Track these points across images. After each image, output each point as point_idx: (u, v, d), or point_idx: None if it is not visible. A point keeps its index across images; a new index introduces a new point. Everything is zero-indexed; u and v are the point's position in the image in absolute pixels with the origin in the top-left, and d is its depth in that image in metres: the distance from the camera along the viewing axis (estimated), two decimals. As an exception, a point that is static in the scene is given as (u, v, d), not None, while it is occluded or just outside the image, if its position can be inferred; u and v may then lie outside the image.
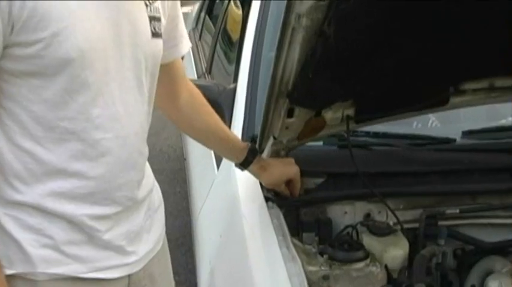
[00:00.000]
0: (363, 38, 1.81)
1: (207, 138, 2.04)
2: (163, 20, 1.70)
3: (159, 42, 1.66)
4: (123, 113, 1.57)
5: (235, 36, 3.31)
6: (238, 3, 3.61)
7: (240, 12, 3.45)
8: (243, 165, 2.00)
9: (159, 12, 1.66)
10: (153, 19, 1.63)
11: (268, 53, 2.54)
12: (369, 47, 1.86)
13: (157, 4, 1.66)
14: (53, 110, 1.48)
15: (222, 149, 2.09)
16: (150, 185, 1.79)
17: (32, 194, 1.52)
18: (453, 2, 1.75)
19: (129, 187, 1.65)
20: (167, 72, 1.82)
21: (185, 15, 6.13)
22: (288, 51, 1.71)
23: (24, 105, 1.47)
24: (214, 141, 2.03)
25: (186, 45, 1.88)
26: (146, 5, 1.61)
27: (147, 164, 1.80)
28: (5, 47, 1.39)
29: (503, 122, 2.67)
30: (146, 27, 1.60)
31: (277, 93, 1.83)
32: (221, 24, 3.87)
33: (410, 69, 2.01)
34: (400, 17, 1.78)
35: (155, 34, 1.63)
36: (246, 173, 2.07)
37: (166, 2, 1.71)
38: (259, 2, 2.85)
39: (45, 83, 1.46)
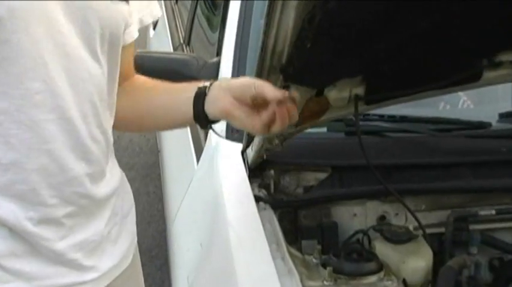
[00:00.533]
0: (371, 1, 1.79)
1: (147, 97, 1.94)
2: None
3: (122, 6, 1.67)
4: (69, 89, 1.57)
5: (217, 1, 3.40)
6: None
7: None
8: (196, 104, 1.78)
9: None
10: None
11: (258, 20, 2.56)
12: (382, 10, 1.83)
13: None
14: None
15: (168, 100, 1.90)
16: (115, 183, 1.78)
17: None
18: None
19: (81, 181, 1.64)
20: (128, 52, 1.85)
21: None
22: (280, 15, 1.68)
23: None
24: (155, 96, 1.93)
25: (145, 20, 1.88)
26: None
27: (113, 157, 1.80)
28: None
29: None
30: None
31: (268, 68, 1.80)
32: None
33: (435, 37, 1.99)
34: None
35: None
36: (231, 166, 2.10)
37: None
38: None
39: None
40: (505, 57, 2.16)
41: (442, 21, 1.97)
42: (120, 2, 1.66)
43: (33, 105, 1.52)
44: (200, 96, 1.75)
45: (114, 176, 1.80)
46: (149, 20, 1.87)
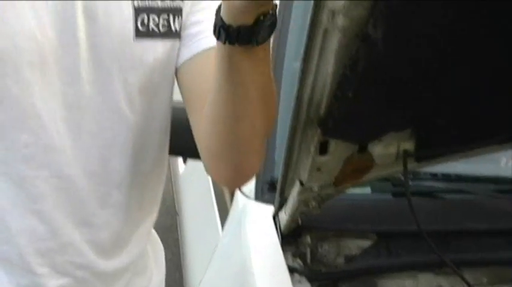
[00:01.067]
0: (425, 46, 1.82)
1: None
2: (185, 9, 1.67)
3: (153, 44, 1.65)
4: (70, 144, 1.59)
5: None
6: None
7: None
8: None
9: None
10: (146, 11, 1.63)
11: (292, 63, 2.62)
12: (435, 59, 1.86)
13: None
14: None
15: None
16: (133, 256, 1.78)
17: None
18: None
19: (79, 249, 1.64)
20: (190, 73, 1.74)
21: None
22: (318, 62, 1.70)
23: None
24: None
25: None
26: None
27: (147, 221, 1.81)
28: None
29: None
30: (125, 24, 1.60)
31: (304, 121, 1.82)
32: None
33: (494, 86, 2.00)
34: (479, 19, 1.80)
35: (144, 33, 1.63)
36: (261, 232, 2.10)
37: None
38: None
39: None
40: None
41: (502, 69, 1.97)
42: (148, 39, 1.64)
43: (20, 159, 1.55)
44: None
45: (135, 247, 1.78)
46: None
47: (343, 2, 1.62)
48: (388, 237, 2.18)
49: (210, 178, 2.80)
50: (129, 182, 1.69)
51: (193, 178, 2.96)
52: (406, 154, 2.05)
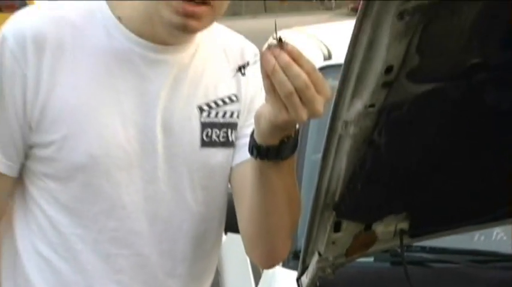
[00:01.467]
0: (418, 150, 1.90)
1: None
2: (239, 122, 1.73)
3: (218, 153, 1.72)
4: (147, 228, 1.67)
5: None
6: None
7: None
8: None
9: (231, 117, 1.73)
10: (210, 126, 1.70)
11: (312, 155, 2.69)
12: (426, 160, 1.93)
13: (234, 108, 1.73)
14: (68, 216, 1.63)
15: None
16: None
17: None
18: None
19: None
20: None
21: None
22: (334, 160, 1.77)
23: (44, 209, 1.63)
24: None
25: None
26: (202, 110, 1.70)
27: None
28: (30, 147, 1.60)
29: None
30: (194, 136, 1.69)
31: (322, 205, 1.87)
32: None
33: (474, 181, 2.06)
34: (464, 133, 1.90)
35: (210, 143, 1.71)
36: None
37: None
38: None
39: (60, 188, 1.62)
40: None
41: (479, 171, 2.03)
42: (211, 148, 1.71)
43: (108, 240, 1.63)
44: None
45: None
46: None
47: (354, 114, 1.69)
48: None
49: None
50: (192, 257, 1.73)
51: (233, 247, 2.91)
52: (402, 232, 2.10)
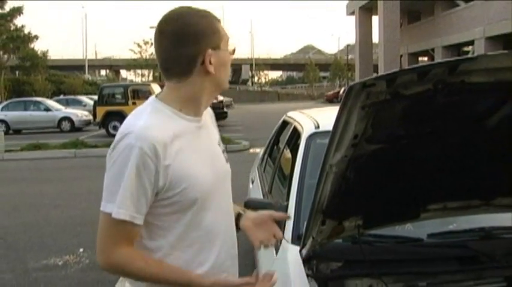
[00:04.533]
0: (371, 181, 1.89)
1: None
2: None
3: (228, 165, 1.68)
4: (224, 222, 1.60)
5: (287, 170, 3.29)
6: (289, 150, 3.58)
7: (290, 155, 3.42)
8: (237, 219, 1.72)
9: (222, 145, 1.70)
10: (224, 151, 1.66)
11: (309, 180, 2.57)
12: (374, 187, 1.93)
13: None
14: (188, 229, 1.52)
15: None
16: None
17: None
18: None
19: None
20: None
21: (254, 154, 6.04)
22: (323, 186, 1.79)
23: (170, 227, 1.52)
24: None
25: None
26: (219, 144, 1.66)
27: None
28: (156, 201, 1.47)
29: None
30: (223, 160, 1.64)
31: (316, 210, 1.87)
32: (278, 162, 3.77)
33: (396, 198, 2.05)
34: (394, 166, 1.88)
35: (227, 161, 1.66)
36: (295, 257, 2.01)
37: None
38: (302, 151, 2.88)
39: (180, 217, 1.51)
40: (433, 206, 2.12)
41: (398, 194, 1.99)
42: (227, 163, 1.65)
43: (205, 234, 1.54)
44: (239, 217, 1.70)
45: None
46: None
47: (336, 160, 1.69)
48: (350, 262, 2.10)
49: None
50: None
51: None
52: (359, 226, 2.07)
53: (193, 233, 1.53)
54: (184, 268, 1.51)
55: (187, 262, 1.53)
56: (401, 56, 33.80)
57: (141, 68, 58.30)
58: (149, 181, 1.43)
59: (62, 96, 35.47)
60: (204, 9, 1.54)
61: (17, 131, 23.56)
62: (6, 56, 43.12)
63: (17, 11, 41.08)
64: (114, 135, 1.59)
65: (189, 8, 1.52)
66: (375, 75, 1.71)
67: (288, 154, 3.60)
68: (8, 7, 40.81)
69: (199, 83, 1.52)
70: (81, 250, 5.56)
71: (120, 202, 1.42)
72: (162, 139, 1.44)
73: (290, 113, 4.21)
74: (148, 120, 1.47)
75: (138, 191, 1.43)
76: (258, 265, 2.64)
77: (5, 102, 26.36)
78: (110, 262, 1.48)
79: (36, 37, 43.45)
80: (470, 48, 29.74)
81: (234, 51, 1.57)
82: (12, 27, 41.55)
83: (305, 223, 1.99)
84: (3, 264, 5.42)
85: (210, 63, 1.50)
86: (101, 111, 19.78)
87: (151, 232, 1.52)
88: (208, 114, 1.66)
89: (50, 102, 26.43)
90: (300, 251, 2.10)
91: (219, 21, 1.52)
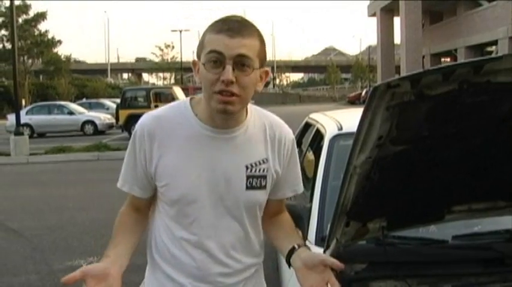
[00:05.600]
0: (395, 183, 1.87)
1: (276, 232, 1.80)
2: (273, 175, 1.66)
3: (256, 193, 1.64)
4: (214, 232, 1.62)
5: (310, 172, 3.21)
6: (312, 152, 3.58)
7: (313, 157, 3.41)
8: (289, 254, 1.68)
9: (264, 172, 1.63)
10: (252, 177, 1.62)
11: (332, 181, 2.57)
12: (397, 189, 1.90)
13: (265, 166, 1.63)
14: (173, 222, 1.64)
15: (281, 243, 1.77)
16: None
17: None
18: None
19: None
20: (276, 204, 1.77)
21: None
22: (347, 187, 1.76)
23: (164, 216, 1.66)
24: (278, 235, 1.79)
25: (292, 191, 1.80)
26: (247, 168, 1.61)
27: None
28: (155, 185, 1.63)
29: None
30: (241, 183, 1.61)
31: (340, 211, 1.84)
32: (301, 164, 3.51)
33: (420, 200, 2.01)
34: (418, 167, 1.86)
35: (251, 187, 1.62)
36: None
37: (282, 162, 1.69)
38: (325, 153, 2.87)
39: (168, 208, 1.64)
40: (457, 208, 2.08)
41: (422, 194, 1.95)
42: (253, 191, 1.63)
43: (190, 236, 1.62)
44: (291, 252, 1.67)
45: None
46: (292, 194, 1.82)
47: (360, 161, 1.68)
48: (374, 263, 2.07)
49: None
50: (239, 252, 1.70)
51: None
52: (383, 228, 2.05)
53: (177, 232, 1.63)
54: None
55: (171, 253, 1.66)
56: (423, 56, 33.50)
57: (163, 71, 58.70)
58: (140, 158, 1.60)
59: (84, 100, 35.85)
60: (227, 16, 1.54)
61: (41, 135, 23.95)
62: (30, 61, 43.82)
63: (41, 16, 41.79)
64: (136, 138, 1.78)
65: (229, 15, 1.56)
66: (397, 76, 1.70)
67: (311, 155, 3.59)
68: (32, 12, 41.52)
69: (203, 91, 1.57)
70: (105, 251, 5.64)
71: (121, 174, 1.67)
72: (153, 123, 1.60)
73: (312, 115, 4.20)
74: (158, 110, 1.64)
75: (133, 164, 1.62)
76: (280, 268, 2.62)
77: (29, 107, 26.75)
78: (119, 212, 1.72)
79: (59, 42, 44.24)
80: (493, 48, 29.33)
81: (214, 63, 1.50)
82: (36, 32, 42.28)
83: (329, 225, 1.97)
84: (29, 265, 5.50)
85: (198, 72, 1.56)
86: (124, 114, 20.00)
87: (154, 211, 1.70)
88: (264, 135, 1.66)
89: (74, 106, 26.84)
90: (324, 252, 1.99)
91: (219, 31, 1.49)
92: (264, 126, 1.68)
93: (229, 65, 1.48)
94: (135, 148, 1.61)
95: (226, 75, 1.47)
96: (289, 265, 1.68)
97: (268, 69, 1.59)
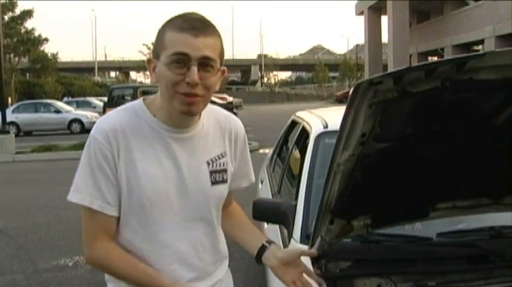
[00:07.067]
0: (378, 180, 1.87)
1: (237, 230, 1.85)
2: (230, 168, 1.67)
3: (220, 187, 1.65)
4: (185, 234, 1.58)
5: (295, 170, 3.28)
6: (297, 150, 3.58)
7: (298, 155, 3.40)
8: (259, 252, 1.74)
9: (224, 166, 1.65)
10: (215, 172, 1.62)
11: (317, 180, 2.57)
12: (381, 187, 1.91)
13: (224, 160, 1.65)
14: (138, 236, 1.56)
15: (246, 240, 1.82)
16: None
17: None
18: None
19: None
20: (229, 196, 1.78)
21: (264, 155, 6.12)
22: (331, 185, 1.76)
23: (125, 235, 1.57)
24: (241, 233, 1.84)
25: (248, 181, 1.83)
26: (208, 163, 1.61)
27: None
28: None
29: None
30: (207, 180, 1.61)
31: (324, 209, 1.84)
32: (287, 162, 3.75)
33: (405, 197, 2.02)
34: (402, 165, 1.86)
35: (215, 182, 1.62)
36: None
37: (237, 154, 1.71)
38: (311, 151, 2.88)
39: (133, 218, 1.55)
40: (441, 205, 2.08)
41: (403, 193, 1.96)
42: (218, 185, 1.63)
43: (158, 244, 1.56)
44: (262, 250, 1.72)
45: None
46: (247, 184, 1.83)
47: (343, 159, 1.68)
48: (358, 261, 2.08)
49: (279, 231, 2.69)
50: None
51: (270, 231, 2.84)
52: (367, 225, 2.05)
53: (141, 244, 1.56)
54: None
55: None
56: (410, 55, 33.66)
57: (150, 69, 58.16)
58: (110, 168, 1.50)
59: (70, 98, 35.56)
60: (185, 13, 1.51)
61: (28, 133, 23.78)
62: (17, 59, 43.43)
63: (27, 14, 41.40)
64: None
65: (186, 12, 1.52)
66: (383, 74, 1.69)
67: (296, 153, 3.59)
68: (18, 10, 41.12)
69: (160, 90, 1.54)
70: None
71: (75, 186, 1.53)
72: (114, 129, 1.50)
73: (299, 113, 4.20)
74: (111, 115, 1.55)
75: (98, 178, 1.50)
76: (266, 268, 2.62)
77: (15, 105, 26.58)
78: (90, 255, 1.57)
79: (46, 39, 43.83)
80: (480, 47, 29.55)
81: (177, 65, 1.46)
82: (23, 30, 41.89)
83: (313, 222, 1.97)
84: (14, 264, 5.46)
85: (153, 70, 1.52)
86: (111, 112, 19.84)
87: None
88: (219, 130, 1.67)
89: (60, 104, 26.67)
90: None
91: (181, 29, 1.45)
92: (216, 120, 1.69)
93: (195, 66, 1.45)
94: (97, 158, 1.50)
95: (192, 78, 1.45)
96: (259, 262, 1.72)
97: (225, 68, 1.56)
